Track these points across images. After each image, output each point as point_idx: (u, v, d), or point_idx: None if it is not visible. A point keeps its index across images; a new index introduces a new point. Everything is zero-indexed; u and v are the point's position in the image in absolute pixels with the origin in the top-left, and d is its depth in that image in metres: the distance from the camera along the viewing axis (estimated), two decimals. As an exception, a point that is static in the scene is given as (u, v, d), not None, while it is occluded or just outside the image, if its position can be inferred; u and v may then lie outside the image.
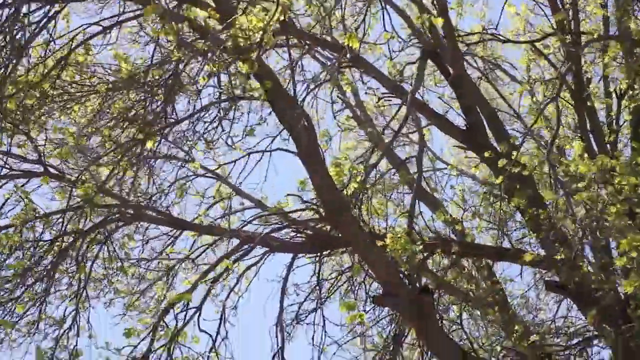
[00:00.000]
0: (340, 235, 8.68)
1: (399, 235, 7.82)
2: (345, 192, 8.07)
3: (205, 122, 8.33)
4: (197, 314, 8.96)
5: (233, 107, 7.69)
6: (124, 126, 8.57)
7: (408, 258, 7.78)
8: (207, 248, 9.90)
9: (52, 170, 9.70)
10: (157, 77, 8.28)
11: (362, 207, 8.47)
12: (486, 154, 9.96)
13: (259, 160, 8.30)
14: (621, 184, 7.72)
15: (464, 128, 11.07)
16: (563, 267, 9.13)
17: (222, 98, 7.76)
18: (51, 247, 9.81)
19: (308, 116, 7.91)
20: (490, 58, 13.80)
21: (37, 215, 9.30)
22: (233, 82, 7.62)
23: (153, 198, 9.56)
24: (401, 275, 8.04)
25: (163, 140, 8.48)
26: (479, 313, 9.66)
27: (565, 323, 10.41)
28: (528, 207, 9.38)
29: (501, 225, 9.96)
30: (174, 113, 8.54)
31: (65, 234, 9.84)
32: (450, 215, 10.15)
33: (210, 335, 9.01)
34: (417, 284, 8.05)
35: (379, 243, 7.96)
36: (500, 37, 11.85)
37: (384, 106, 11.71)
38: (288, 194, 8.97)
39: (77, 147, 9.06)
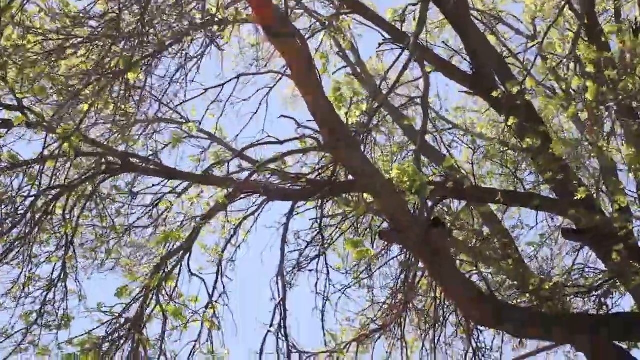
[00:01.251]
0: (339, 172, 8.06)
1: (406, 166, 7.19)
2: (346, 118, 7.45)
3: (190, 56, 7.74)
4: (187, 255, 8.32)
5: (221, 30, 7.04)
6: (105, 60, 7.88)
7: (417, 189, 7.14)
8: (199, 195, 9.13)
9: (33, 117, 9.04)
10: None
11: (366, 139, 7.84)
12: (494, 94, 9.37)
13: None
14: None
15: (471, 73, 10.53)
16: (581, 209, 8.57)
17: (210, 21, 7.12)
18: (34, 203, 9.19)
19: (302, 36, 7.23)
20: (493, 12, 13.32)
21: (14, 163, 8.61)
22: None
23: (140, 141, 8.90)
24: (410, 208, 7.40)
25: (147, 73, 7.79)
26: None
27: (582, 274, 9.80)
28: (540, 150, 8.85)
29: (514, 165, 9.35)
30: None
31: (50, 189, 9.22)
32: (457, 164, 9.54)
33: (203, 280, 8.38)
34: (428, 217, 7.40)
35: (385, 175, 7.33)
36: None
37: (384, 51, 11.06)
38: (282, 116, 8.33)
39: (53, 82, 8.35)
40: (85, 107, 8.04)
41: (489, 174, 9.78)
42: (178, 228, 8.16)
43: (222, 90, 8.57)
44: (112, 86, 7.71)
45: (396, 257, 8.38)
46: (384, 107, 9.99)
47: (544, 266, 9.71)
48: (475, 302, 7.37)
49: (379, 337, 8.84)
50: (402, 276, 8.24)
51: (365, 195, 8.00)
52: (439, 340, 8.47)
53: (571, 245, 10.16)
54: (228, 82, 8.08)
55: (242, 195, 9.01)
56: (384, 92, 9.90)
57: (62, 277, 9.30)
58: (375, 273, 8.71)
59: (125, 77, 7.47)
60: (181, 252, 8.28)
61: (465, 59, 10.78)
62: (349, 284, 8.30)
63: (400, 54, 10.14)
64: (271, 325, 8.20)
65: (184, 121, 11.13)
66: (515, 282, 9.10)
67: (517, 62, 12.52)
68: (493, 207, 9.82)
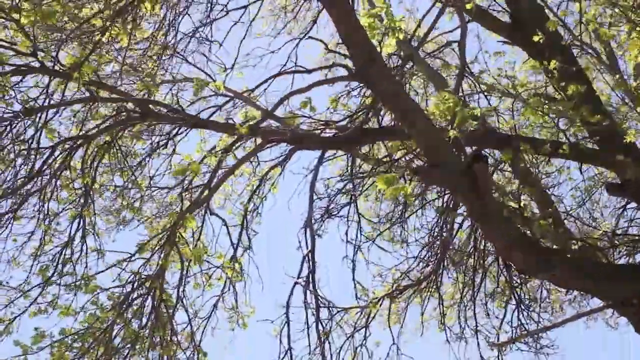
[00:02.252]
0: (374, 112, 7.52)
1: (446, 97, 6.64)
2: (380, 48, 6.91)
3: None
4: (208, 194, 7.82)
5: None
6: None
7: (459, 121, 6.60)
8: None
9: (48, 64, 8.60)
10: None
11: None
12: (535, 38, 8.75)
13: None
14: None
15: (509, 22, 9.92)
16: (627, 162, 7.96)
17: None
18: (51, 155, 8.78)
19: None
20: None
21: (28, 108, 8.15)
22: None
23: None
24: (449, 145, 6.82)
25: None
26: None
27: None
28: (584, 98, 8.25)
29: (557, 114, 8.71)
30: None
31: (67, 140, 8.81)
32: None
33: (223, 220, 7.89)
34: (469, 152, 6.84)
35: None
36: None
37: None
38: (309, 37, 7.78)
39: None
40: (98, 37, 7.56)
41: (529, 125, 9.16)
42: (196, 162, 7.62)
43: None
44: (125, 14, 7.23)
45: (434, 200, 7.79)
46: (416, 57, 9.45)
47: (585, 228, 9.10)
48: (519, 248, 6.77)
49: (414, 293, 8.31)
50: (439, 223, 7.67)
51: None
52: (478, 292, 7.91)
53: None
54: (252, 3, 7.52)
55: (269, 145, 8.53)
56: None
57: (80, 232, 8.89)
58: (410, 225, 8.17)
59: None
60: (202, 191, 7.75)
61: (504, 9, 10.18)
62: (381, 231, 7.76)
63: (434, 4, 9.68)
64: (298, 278, 7.67)
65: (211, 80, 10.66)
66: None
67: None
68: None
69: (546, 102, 9.20)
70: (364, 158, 8.23)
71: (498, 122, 8.61)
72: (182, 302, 8.26)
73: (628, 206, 9.32)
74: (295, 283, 7.64)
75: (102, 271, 8.68)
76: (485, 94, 9.08)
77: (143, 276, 8.54)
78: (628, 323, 7.76)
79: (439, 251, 7.89)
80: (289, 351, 7.40)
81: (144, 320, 8.38)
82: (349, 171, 8.12)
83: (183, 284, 8.22)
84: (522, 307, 7.66)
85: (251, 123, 7.85)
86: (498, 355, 9.90)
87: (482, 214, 6.72)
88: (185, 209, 7.58)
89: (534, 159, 8.92)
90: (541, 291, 8.00)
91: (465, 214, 7.56)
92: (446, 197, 7.61)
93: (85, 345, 8.45)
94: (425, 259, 8.06)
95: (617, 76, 10.69)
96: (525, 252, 6.81)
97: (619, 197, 9.28)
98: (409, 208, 7.96)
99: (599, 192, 9.62)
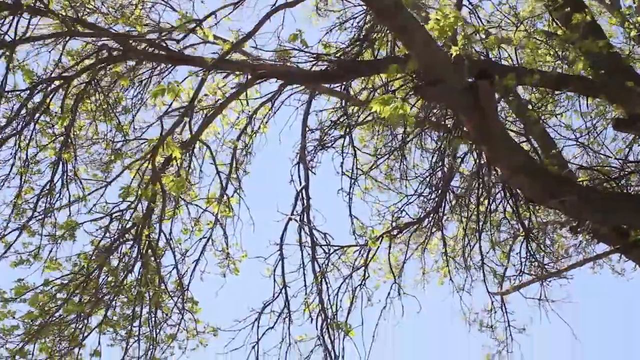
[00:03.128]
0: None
1: (448, 12, 6.20)
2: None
3: None
4: (195, 135, 7.38)
5: None
6: None
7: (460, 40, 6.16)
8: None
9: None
10: None
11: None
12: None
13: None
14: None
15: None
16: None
17: None
18: (29, 98, 8.31)
19: None
20: None
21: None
22: None
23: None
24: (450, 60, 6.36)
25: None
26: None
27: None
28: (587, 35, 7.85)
29: (560, 46, 8.28)
30: None
31: (45, 81, 8.32)
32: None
33: (208, 147, 7.42)
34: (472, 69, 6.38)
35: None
36: None
37: None
38: None
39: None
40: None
41: (531, 57, 8.74)
42: (177, 81, 7.12)
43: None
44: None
45: (435, 126, 7.33)
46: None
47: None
48: (527, 173, 6.35)
49: (415, 231, 7.90)
50: (441, 153, 7.23)
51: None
52: (483, 225, 7.49)
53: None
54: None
55: (258, 80, 8.06)
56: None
57: (61, 178, 8.44)
58: (409, 161, 7.72)
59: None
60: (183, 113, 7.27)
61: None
62: (378, 160, 7.33)
63: None
64: (292, 214, 7.25)
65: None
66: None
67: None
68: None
69: (550, 34, 8.81)
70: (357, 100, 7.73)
71: (500, 53, 8.19)
72: (169, 246, 7.84)
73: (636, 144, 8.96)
74: (290, 219, 7.21)
75: (89, 220, 8.26)
76: (486, 26, 8.62)
77: (128, 221, 8.14)
78: (634, 268, 7.42)
79: (441, 185, 7.46)
80: (283, 289, 6.98)
81: (131, 268, 7.98)
82: (343, 103, 7.64)
83: (170, 225, 7.80)
84: (531, 238, 7.24)
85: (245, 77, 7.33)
86: (502, 306, 9.60)
87: (486, 136, 6.30)
88: (166, 133, 7.09)
89: (537, 94, 8.54)
90: (548, 228, 7.59)
91: (468, 141, 7.11)
92: (448, 123, 7.16)
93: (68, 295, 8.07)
94: (426, 195, 7.63)
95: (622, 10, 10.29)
96: (534, 177, 6.40)
97: (627, 133, 8.89)
98: (409, 137, 7.48)
99: (605, 130, 9.18)
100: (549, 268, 8.77)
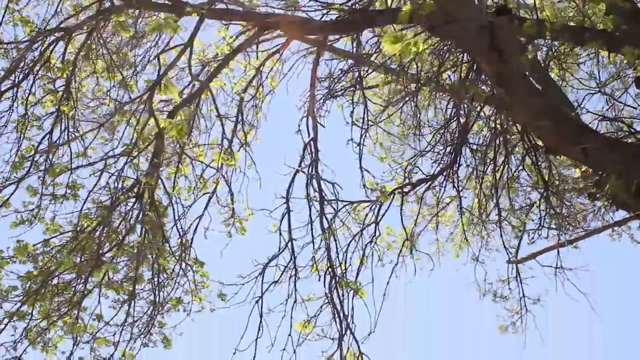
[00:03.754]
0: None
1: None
2: None
3: None
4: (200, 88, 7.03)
5: None
6: None
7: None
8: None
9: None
10: None
11: None
12: None
13: None
14: None
15: None
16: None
17: None
18: (29, 49, 8.02)
19: None
20: None
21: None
22: None
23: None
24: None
25: None
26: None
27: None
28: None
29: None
30: None
31: (45, 33, 8.03)
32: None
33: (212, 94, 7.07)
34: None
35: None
36: None
37: None
38: None
39: None
40: None
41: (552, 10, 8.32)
42: (174, 17, 6.73)
43: None
44: None
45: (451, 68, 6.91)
46: None
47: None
48: (548, 117, 5.96)
49: (428, 188, 7.52)
50: (456, 101, 6.83)
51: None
52: (500, 178, 7.09)
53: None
54: None
55: (265, 32, 7.72)
56: None
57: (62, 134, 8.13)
58: (423, 116, 7.32)
59: None
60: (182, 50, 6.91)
61: None
62: (386, 108, 6.94)
63: None
64: (300, 166, 6.91)
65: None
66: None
67: None
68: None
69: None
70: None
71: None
72: (170, 202, 7.51)
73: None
74: (297, 171, 6.86)
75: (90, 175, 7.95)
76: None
77: (130, 177, 7.84)
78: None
79: (456, 138, 7.07)
80: (289, 243, 6.64)
81: (133, 225, 7.67)
82: (354, 51, 7.27)
83: (173, 180, 7.47)
84: (551, 191, 6.84)
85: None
86: (516, 276, 9.25)
87: (504, 78, 5.92)
88: (163, 71, 6.74)
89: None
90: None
91: (486, 88, 6.69)
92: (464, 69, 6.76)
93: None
94: (440, 148, 7.24)
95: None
96: (556, 122, 6.01)
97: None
98: (422, 80, 7.05)
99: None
100: (566, 235, 8.42)
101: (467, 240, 7.66)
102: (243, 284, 6.50)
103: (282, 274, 6.56)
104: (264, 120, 8.12)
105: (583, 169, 7.37)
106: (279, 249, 6.67)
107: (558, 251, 9.32)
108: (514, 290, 9.12)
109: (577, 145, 6.05)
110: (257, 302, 6.43)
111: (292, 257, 6.63)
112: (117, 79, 8.12)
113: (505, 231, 7.43)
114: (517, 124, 6.60)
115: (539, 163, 6.67)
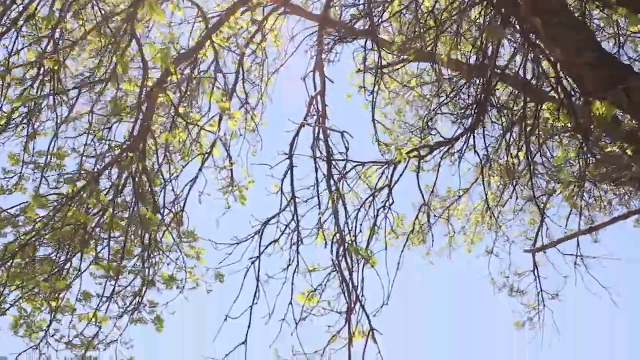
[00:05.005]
0: None
1: None
2: None
3: None
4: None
5: None
6: None
7: None
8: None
9: None
10: None
11: None
12: None
13: None
14: None
15: None
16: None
17: None
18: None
19: None
20: None
21: None
22: None
23: None
24: None
25: None
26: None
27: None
28: None
29: None
30: None
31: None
32: None
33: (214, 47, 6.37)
34: None
35: None
36: None
37: None
38: None
39: None
40: None
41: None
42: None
43: None
44: None
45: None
46: None
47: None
48: (590, 55, 5.21)
49: (447, 151, 6.76)
50: (482, 45, 6.08)
51: None
52: (531, 130, 6.28)
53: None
54: None
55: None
56: None
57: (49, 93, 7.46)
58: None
59: None
60: None
61: None
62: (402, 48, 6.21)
63: None
64: (305, 119, 6.18)
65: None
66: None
67: None
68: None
69: None
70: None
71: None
72: (158, 161, 6.78)
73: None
74: (302, 124, 6.13)
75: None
76: None
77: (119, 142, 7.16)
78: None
79: (479, 93, 6.32)
80: (292, 201, 5.87)
81: (121, 189, 6.97)
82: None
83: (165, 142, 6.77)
84: (589, 139, 6.02)
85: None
86: (533, 268, 8.62)
87: (541, 7, 5.21)
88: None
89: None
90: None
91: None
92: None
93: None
94: (461, 106, 6.50)
95: None
96: (599, 58, 5.28)
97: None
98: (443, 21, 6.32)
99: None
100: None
101: (490, 211, 6.90)
102: (237, 243, 5.73)
103: (282, 233, 5.79)
104: (266, 82, 7.46)
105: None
106: (280, 207, 5.91)
107: (578, 240, 8.70)
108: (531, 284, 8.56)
109: (618, 87, 5.31)
110: (252, 263, 5.65)
111: (295, 216, 5.86)
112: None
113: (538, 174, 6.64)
114: (552, 61, 5.80)
115: (576, 112, 5.87)
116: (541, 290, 8.75)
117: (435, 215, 6.64)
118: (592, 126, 5.61)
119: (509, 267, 8.62)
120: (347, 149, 5.98)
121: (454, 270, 8.94)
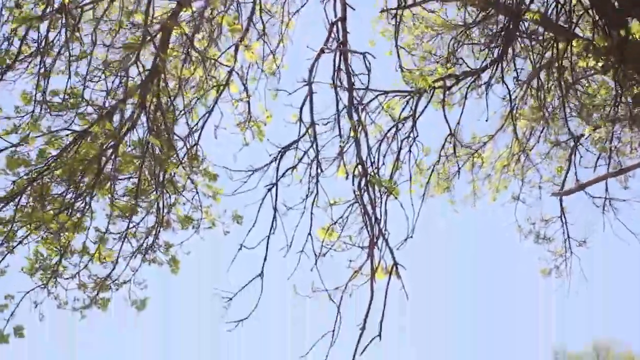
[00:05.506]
0: None
1: None
2: None
3: None
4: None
5: None
6: None
7: None
8: None
9: None
10: None
11: None
12: None
13: None
14: None
15: None
16: None
17: None
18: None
19: None
20: None
21: None
22: None
23: None
24: None
25: None
26: None
27: None
28: None
29: None
30: None
31: None
32: None
33: None
34: None
35: None
36: None
37: None
38: None
39: None
40: None
41: None
42: None
43: None
44: None
45: None
46: None
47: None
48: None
49: (473, 82, 6.44)
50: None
51: None
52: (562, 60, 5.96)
53: None
54: None
55: None
56: None
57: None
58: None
59: None
60: None
61: None
62: None
63: None
64: (325, 44, 5.87)
65: None
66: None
67: None
68: None
69: None
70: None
71: None
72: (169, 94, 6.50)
73: None
74: (322, 50, 5.82)
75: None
76: None
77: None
78: None
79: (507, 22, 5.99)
80: (311, 128, 5.57)
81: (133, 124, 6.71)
82: None
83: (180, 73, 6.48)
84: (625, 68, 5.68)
85: None
86: (560, 214, 8.36)
87: None
88: None
89: None
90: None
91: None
92: None
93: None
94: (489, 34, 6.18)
95: None
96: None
97: None
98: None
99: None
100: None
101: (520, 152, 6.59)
102: (254, 171, 5.46)
103: (300, 161, 5.50)
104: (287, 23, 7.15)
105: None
106: (299, 135, 5.61)
107: (607, 184, 8.45)
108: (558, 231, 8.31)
109: None
110: (269, 190, 5.38)
111: (314, 144, 5.57)
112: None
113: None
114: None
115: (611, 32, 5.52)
116: (568, 237, 8.51)
117: (463, 146, 6.31)
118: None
119: (539, 213, 8.34)
120: (369, 70, 5.67)
121: (478, 218, 8.68)
